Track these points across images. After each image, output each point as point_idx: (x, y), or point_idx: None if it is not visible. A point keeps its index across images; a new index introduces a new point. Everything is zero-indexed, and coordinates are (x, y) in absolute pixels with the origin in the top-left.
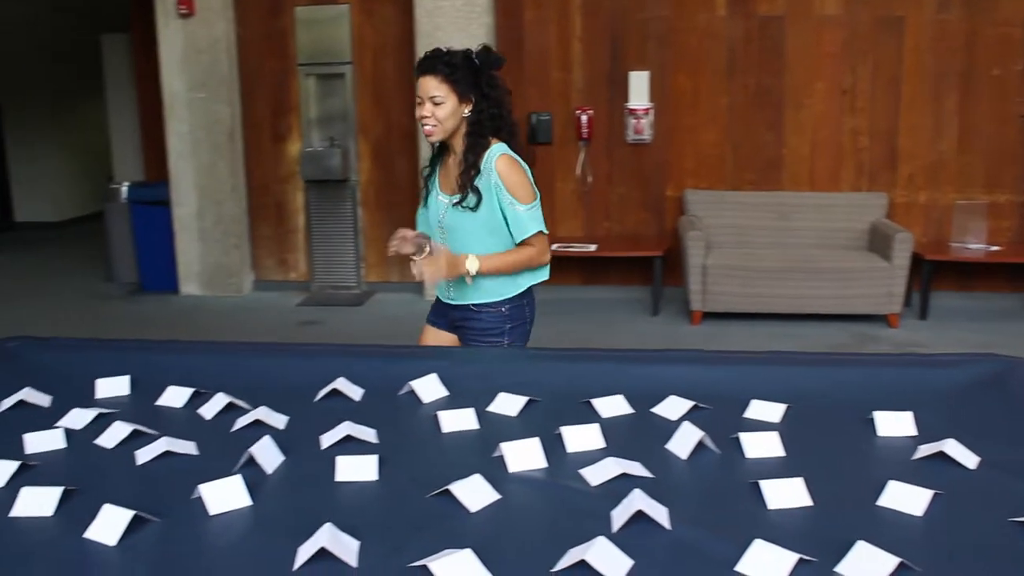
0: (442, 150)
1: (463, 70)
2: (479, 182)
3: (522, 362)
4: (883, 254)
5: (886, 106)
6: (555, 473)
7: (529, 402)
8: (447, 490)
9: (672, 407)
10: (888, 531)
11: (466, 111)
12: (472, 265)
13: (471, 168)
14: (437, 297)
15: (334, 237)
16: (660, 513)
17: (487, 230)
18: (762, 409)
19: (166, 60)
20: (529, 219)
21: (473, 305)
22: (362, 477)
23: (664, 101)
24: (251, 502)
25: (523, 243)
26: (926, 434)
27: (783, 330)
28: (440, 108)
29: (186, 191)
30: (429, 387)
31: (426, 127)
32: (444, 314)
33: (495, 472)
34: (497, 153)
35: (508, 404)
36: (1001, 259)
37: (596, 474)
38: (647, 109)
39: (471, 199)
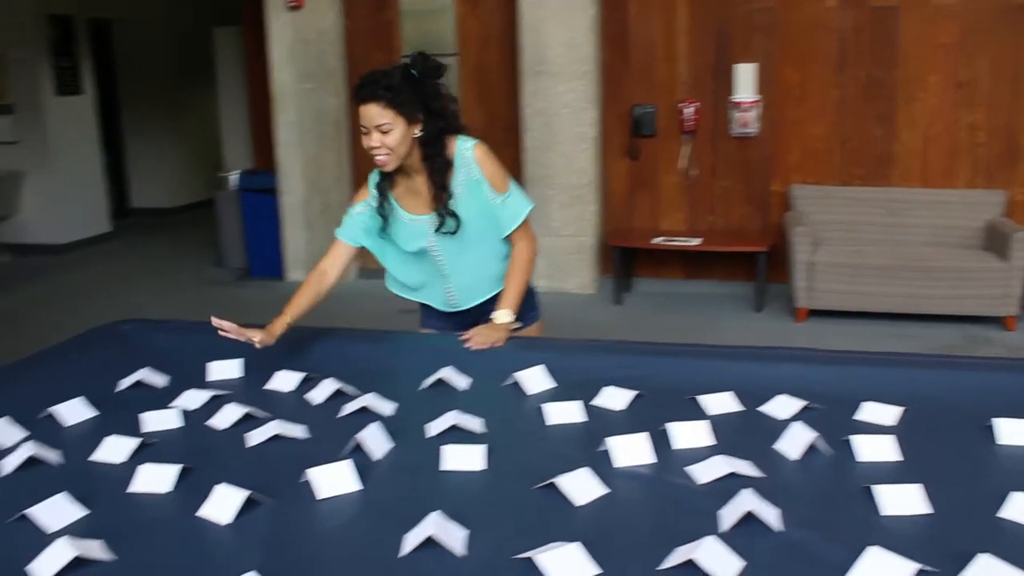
0: (389, 174)
1: (404, 91)
2: (458, 182)
3: (627, 356)
4: (1000, 253)
5: (1006, 100)
6: (662, 469)
7: (636, 397)
8: (553, 483)
9: (782, 406)
10: (1013, 545)
11: (416, 132)
12: (507, 317)
13: (442, 191)
14: (426, 305)
15: None
16: (770, 514)
17: (478, 237)
18: (875, 411)
19: (275, 52)
20: (516, 205)
21: (489, 301)
22: (468, 467)
23: (771, 94)
24: (360, 487)
25: (512, 236)
26: None
27: (891, 330)
28: (389, 136)
29: (293, 180)
30: (535, 378)
31: (379, 158)
32: (451, 320)
33: (601, 466)
34: (470, 146)
35: (614, 398)
36: None
37: (704, 472)
38: (753, 102)
39: (450, 224)
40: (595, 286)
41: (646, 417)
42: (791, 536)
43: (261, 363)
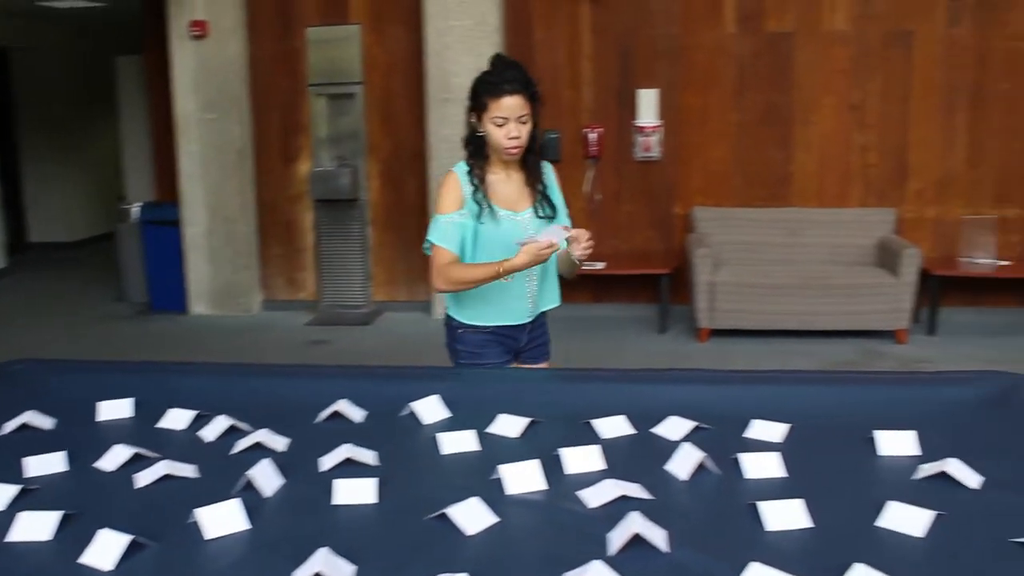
0: (475, 173)
1: (534, 85)
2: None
3: (525, 383)
4: (891, 270)
5: (895, 122)
6: (554, 495)
7: (531, 423)
8: (444, 513)
9: (673, 427)
10: (887, 552)
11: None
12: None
13: (536, 181)
14: (485, 336)
15: (343, 256)
16: (657, 536)
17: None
18: (763, 429)
19: (179, 81)
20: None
21: (549, 311)
22: (360, 500)
23: (673, 118)
24: (249, 526)
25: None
26: (929, 453)
27: (791, 347)
28: (526, 127)
29: (196, 211)
30: (430, 408)
31: (514, 148)
32: (512, 343)
33: (494, 494)
34: (548, 164)
35: (509, 425)
36: (1010, 274)
37: (595, 496)
38: (656, 127)
39: (548, 209)
40: None
41: (540, 443)
42: (677, 556)
43: (153, 401)
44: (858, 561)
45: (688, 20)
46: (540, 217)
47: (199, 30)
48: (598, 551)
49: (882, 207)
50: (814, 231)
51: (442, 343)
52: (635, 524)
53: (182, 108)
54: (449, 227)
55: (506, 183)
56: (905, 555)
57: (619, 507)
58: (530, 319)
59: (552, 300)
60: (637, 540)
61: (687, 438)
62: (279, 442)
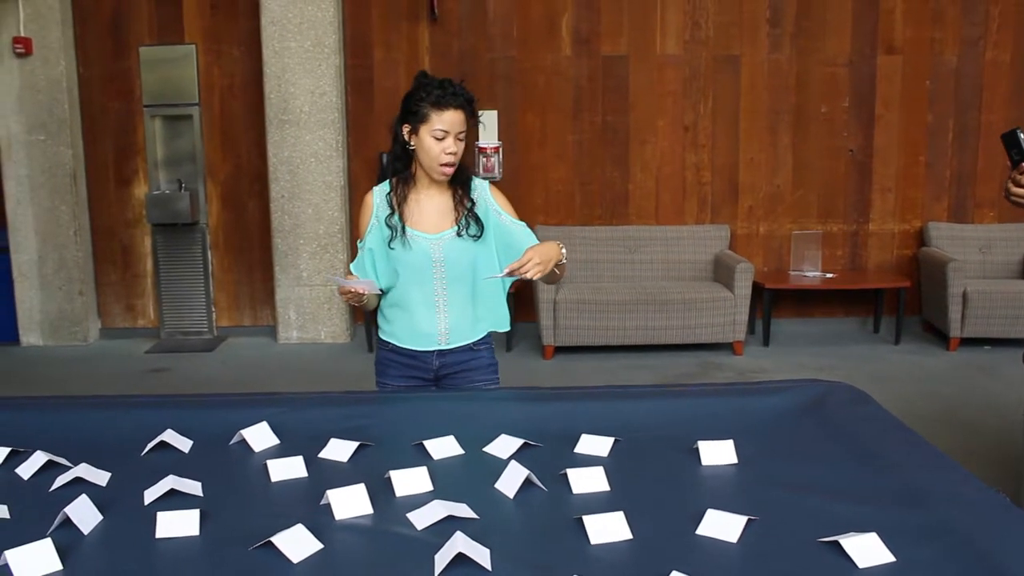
0: (397, 190)
1: (475, 103)
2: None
3: (354, 406)
4: (726, 284)
5: (725, 141)
6: (382, 519)
7: (361, 446)
8: (270, 542)
9: (503, 446)
10: (704, 559)
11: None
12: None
13: (464, 198)
14: (384, 357)
15: (184, 282)
16: (482, 555)
17: (488, 258)
18: (591, 443)
19: (2, 101)
20: (529, 231)
21: (473, 344)
22: (183, 532)
23: (513, 139)
24: (61, 567)
25: None
26: (746, 461)
27: (634, 361)
28: (462, 144)
29: (26, 237)
30: (260, 435)
31: (449, 167)
32: (419, 368)
33: (322, 520)
34: (484, 183)
35: (339, 450)
36: (836, 286)
37: (422, 518)
38: (496, 147)
39: (475, 228)
40: (348, 335)
41: (371, 466)
42: (501, 575)
43: None
44: (674, 569)
45: (526, 43)
46: (462, 236)
47: (23, 47)
48: (424, 573)
49: (716, 224)
50: (652, 248)
51: (286, 367)
52: (459, 544)
53: (6, 129)
54: (360, 256)
55: (428, 202)
56: (720, 561)
57: (447, 527)
58: (441, 347)
59: (474, 332)
60: (462, 560)
61: (515, 456)
62: (100, 476)
